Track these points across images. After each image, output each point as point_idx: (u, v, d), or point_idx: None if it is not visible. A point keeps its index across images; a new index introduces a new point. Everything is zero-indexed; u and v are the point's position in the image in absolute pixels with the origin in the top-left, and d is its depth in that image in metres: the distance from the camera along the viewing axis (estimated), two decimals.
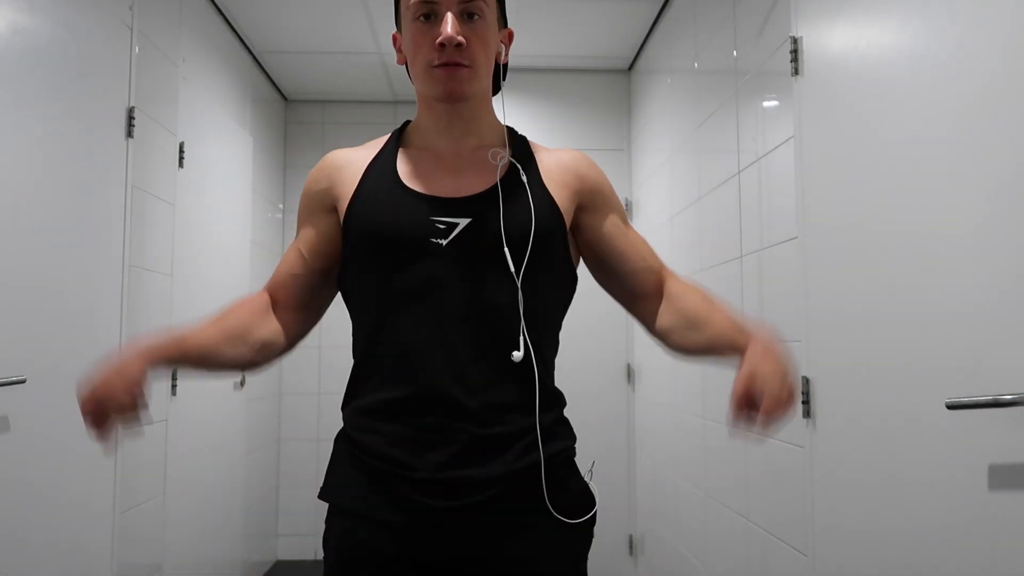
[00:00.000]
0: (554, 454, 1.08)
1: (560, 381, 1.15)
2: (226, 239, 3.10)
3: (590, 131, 3.79)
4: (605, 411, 3.61)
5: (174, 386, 2.54)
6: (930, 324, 1.26)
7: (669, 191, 3.01)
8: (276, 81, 3.88)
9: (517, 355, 1.04)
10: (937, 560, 1.24)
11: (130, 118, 2.22)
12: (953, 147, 1.21)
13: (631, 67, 3.76)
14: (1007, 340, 1.08)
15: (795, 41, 1.79)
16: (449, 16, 1.04)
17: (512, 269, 1.05)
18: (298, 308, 1.17)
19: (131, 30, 2.26)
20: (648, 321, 1.18)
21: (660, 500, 3.12)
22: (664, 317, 1.15)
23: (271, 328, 1.14)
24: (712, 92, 2.47)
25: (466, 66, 1.06)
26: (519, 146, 1.17)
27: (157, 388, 2.44)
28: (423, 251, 1.05)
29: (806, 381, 1.71)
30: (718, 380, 2.36)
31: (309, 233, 1.17)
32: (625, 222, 1.20)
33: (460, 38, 1.04)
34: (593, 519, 1.11)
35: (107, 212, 2.12)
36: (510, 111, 3.75)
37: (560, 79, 3.81)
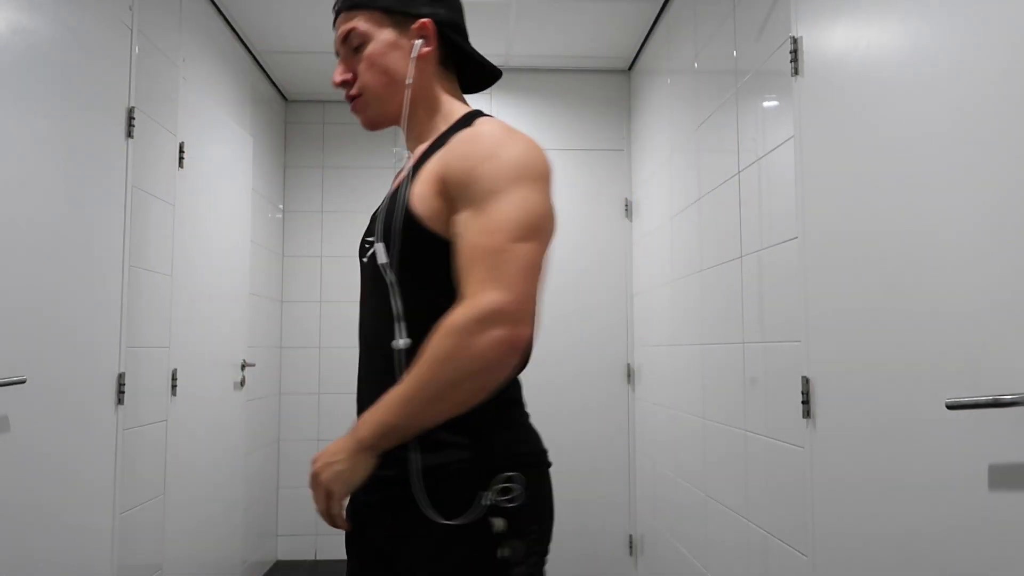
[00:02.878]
0: (434, 466, 1.00)
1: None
2: (226, 239, 3.10)
3: (590, 131, 3.79)
4: (605, 411, 3.60)
5: (174, 386, 2.54)
6: (930, 324, 1.26)
7: (669, 191, 3.01)
8: (276, 81, 3.88)
9: (402, 342, 1.02)
10: (937, 560, 1.24)
11: (130, 118, 2.22)
12: (953, 147, 1.21)
13: (631, 67, 3.76)
14: (1007, 340, 1.08)
15: (795, 41, 1.79)
16: (338, 61, 1.17)
17: (388, 280, 1.04)
18: None
19: (131, 30, 2.26)
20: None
21: (660, 500, 3.11)
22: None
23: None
24: (712, 92, 2.47)
25: (358, 96, 1.16)
26: (443, 138, 1.09)
27: (157, 388, 2.44)
28: (361, 271, 1.15)
29: (806, 381, 1.71)
30: (718, 381, 2.36)
31: None
32: (477, 211, 0.97)
33: (339, 79, 1.16)
34: (483, 532, 0.98)
35: (107, 212, 2.12)
36: (511, 112, 3.76)
37: (560, 79, 3.81)
